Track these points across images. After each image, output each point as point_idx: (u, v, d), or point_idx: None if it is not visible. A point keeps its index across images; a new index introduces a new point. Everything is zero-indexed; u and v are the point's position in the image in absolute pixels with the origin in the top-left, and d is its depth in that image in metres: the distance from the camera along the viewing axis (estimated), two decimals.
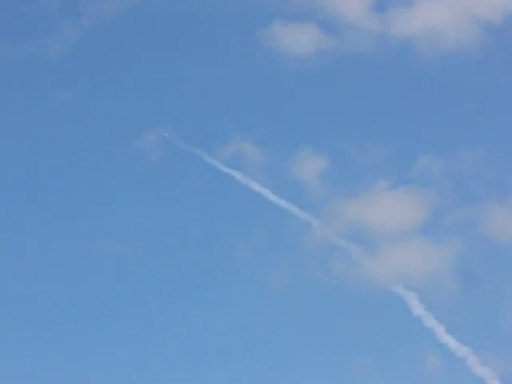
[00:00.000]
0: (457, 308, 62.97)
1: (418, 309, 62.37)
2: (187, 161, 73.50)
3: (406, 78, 77.95)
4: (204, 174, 74.72)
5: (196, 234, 73.25)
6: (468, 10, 75.68)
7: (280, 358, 64.60)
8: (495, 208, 68.92)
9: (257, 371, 64.72)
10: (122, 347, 66.74)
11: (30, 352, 65.60)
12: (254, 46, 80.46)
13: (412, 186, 72.36)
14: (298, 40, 78.97)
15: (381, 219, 69.94)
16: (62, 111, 79.27)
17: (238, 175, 72.46)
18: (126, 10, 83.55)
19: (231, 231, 72.80)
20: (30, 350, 65.71)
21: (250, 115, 79.11)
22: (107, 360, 65.49)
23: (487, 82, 77.29)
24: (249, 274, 69.97)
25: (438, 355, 59.23)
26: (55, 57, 79.95)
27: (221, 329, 67.08)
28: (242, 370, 64.85)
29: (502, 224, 68.12)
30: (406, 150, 74.58)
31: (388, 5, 78.73)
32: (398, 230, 69.40)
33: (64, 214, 75.87)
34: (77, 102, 79.47)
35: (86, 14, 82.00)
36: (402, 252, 68.11)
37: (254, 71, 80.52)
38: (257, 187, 71.56)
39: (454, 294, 64.79)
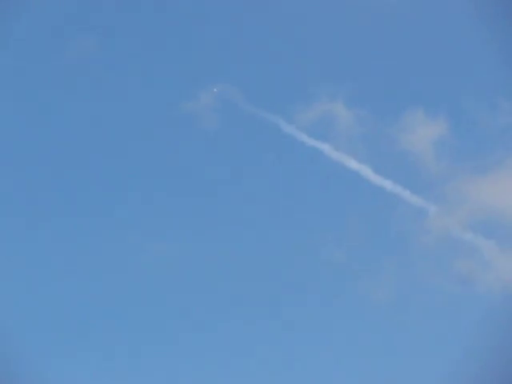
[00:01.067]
0: None
1: None
2: (255, 128, 58.85)
3: None
4: (279, 147, 60.27)
5: (272, 227, 59.27)
6: None
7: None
8: None
9: None
10: None
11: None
12: None
13: None
14: None
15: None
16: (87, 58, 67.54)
17: (326, 148, 57.22)
18: None
19: (320, 225, 58.38)
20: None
21: (339, 65, 63.42)
22: None
23: None
24: (345, 283, 60.44)
25: None
26: None
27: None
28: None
29: None
30: None
31: None
32: None
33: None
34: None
35: None
36: None
37: (340, 7, 65.52)
38: (352, 164, 57.09)
39: None
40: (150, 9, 63.06)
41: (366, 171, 56.52)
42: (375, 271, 55.97)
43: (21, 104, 60.40)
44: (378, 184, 56.30)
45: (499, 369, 47.71)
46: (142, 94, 61.12)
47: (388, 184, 56.38)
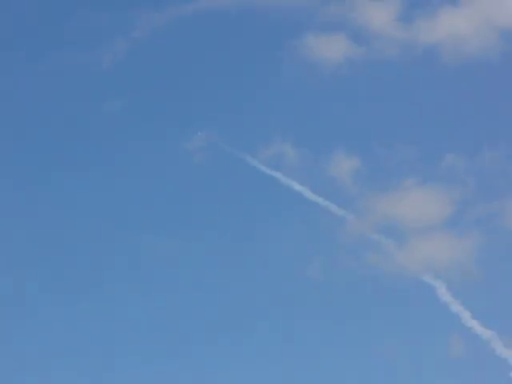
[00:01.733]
0: (480, 294, 69.72)
1: (445, 296, 67.83)
2: (231, 162, 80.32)
3: (431, 82, 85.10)
4: (247, 175, 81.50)
5: (240, 229, 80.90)
6: (487, 19, 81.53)
7: (312, 343, 72.12)
8: None
9: (289, 358, 71.79)
10: None
11: None
12: (291, 54, 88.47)
13: (438, 183, 79.07)
14: (330, 49, 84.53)
15: (409, 213, 76.21)
16: (113, 117, 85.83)
17: (279, 176, 78.59)
18: (170, 21, 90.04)
19: (273, 227, 79.96)
20: None
21: (288, 118, 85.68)
22: None
23: (507, 85, 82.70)
24: (289, 264, 76.71)
25: (464, 339, 66.06)
26: (106, 67, 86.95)
27: (260, 313, 75.31)
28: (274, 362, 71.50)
29: None
30: (432, 150, 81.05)
31: (413, 15, 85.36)
32: (425, 224, 75.72)
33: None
34: (127, 108, 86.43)
35: (136, 27, 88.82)
36: (430, 244, 74.11)
37: (290, 78, 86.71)
38: (296, 186, 77.25)
39: (478, 282, 71.38)
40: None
41: (307, 191, 76.84)
42: (311, 258, 75.74)
43: None
44: (314, 200, 76.14)
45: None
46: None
47: (320, 200, 75.92)
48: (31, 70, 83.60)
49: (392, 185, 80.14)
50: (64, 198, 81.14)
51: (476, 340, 64.77)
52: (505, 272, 72.14)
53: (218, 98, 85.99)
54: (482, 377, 64.85)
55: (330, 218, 74.57)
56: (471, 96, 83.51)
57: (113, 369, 70.14)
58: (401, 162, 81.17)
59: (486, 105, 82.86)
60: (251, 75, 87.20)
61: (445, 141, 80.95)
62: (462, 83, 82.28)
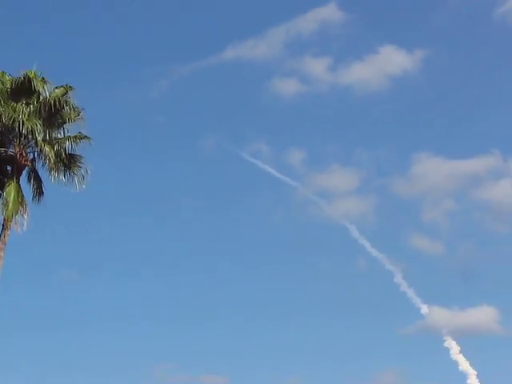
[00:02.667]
0: (377, 233, 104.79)
1: (354, 233, 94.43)
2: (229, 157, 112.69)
3: (346, 107, 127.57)
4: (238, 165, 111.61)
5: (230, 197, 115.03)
6: (382, 69, 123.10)
7: (268, 270, 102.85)
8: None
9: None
10: None
11: None
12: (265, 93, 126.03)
13: (352, 167, 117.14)
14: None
15: (335, 185, 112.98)
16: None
17: (258, 163, 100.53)
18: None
19: (251, 194, 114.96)
20: None
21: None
22: None
23: (395, 115, 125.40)
24: (260, 216, 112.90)
25: (365, 259, 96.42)
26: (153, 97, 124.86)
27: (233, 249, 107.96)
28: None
29: (403, 188, 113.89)
30: (347, 147, 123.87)
31: (337, 67, 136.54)
32: (344, 191, 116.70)
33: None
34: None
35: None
36: (347, 203, 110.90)
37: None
38: (268, 169, 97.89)
39: (375, 227, 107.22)
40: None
41: (274, 172, 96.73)
42: (276, 213, 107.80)
43: None
44: (278, 177, 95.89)
45: None
46: None
47: (282, 177, 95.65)
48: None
49: (325, 168, 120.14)
50: None
51: (372, 259, 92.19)
52: (392, 220, 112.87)
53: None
54: (372, 285, 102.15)
55: (287, 188, 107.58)
56: (370, 118, 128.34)
57: None
58: (330, 154, 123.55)
59: (379, 121, 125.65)
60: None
61: (356, 139, 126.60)
62: (367, 111, 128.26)
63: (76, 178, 33.74)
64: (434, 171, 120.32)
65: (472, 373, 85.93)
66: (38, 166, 33.21)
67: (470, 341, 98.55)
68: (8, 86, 32.43)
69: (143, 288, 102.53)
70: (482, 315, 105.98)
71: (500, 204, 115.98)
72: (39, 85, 32.53)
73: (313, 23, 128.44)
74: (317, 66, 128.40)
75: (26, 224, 32.50)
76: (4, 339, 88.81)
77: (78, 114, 32.87)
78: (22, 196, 32.30)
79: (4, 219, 32.00)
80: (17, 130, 31.89)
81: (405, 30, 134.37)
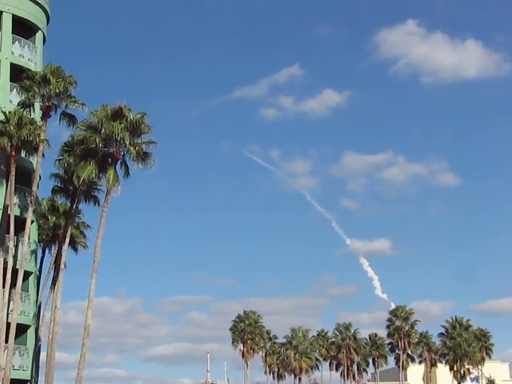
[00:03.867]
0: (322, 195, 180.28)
1: (308, 197, 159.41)
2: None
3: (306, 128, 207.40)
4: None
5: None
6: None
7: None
8: None
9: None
10: None
11: None
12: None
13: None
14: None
15: (297, 169, 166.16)
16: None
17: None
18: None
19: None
20: None
21: None
22: None
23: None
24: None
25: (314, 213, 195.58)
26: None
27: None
28: None
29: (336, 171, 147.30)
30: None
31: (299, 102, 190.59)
32: (303, 173, 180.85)
33: None
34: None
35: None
36: (304, 180, 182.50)
37: None
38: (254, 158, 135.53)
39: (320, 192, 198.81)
40: None
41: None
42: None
43: None
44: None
45: None
46: None
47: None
48: None
49: (292, 160, 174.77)
50: None
51: (318, 212, 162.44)
52: (330, 190, 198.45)
53: None
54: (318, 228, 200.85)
55: (270, 171, 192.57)
56: (318, 131, 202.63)
57: None
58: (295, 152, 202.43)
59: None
60: None
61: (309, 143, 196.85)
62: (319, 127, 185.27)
63: (149, 165, 56.10)
64: (354, 161, 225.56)
65: (376, 277, 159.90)
66: (126, 158, 55.25)
67: (375, 259, 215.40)
68: (109, 112, 54.63)
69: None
70: (382, 244, 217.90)
71: (391, 180, 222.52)
72: (127, 112, 54.57)
73: (285, 76, 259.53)
74: (286, 101, 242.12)
75: (119, 192, 55.20)
76: None
77: (149, 129, 55.02)
78: (118, 176, 54.35)
79: (107, 189, 54.58)
80: (114, 138, 54.07)
81: (337, 78, 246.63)
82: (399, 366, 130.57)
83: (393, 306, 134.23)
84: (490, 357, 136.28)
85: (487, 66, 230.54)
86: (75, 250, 64.56)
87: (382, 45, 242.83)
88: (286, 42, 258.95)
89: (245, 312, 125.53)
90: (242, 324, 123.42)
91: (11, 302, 53.74)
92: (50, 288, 61.32)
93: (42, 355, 61.33)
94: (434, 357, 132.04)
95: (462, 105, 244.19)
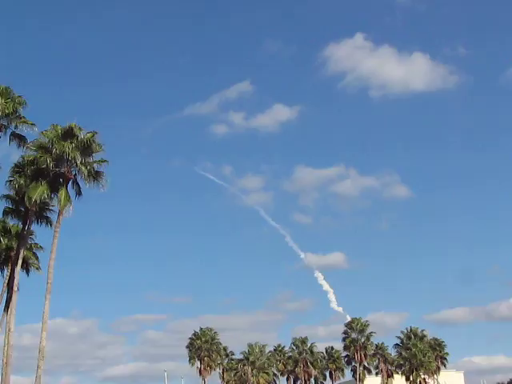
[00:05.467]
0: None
1: (262, 212, 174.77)
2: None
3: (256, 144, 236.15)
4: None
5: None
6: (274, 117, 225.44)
7: None
8: None
9: None
10: None
11: None
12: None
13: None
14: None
15: (249, 185, 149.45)
16: None
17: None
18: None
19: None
20: None
21: None
22: None
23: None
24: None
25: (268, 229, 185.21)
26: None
27: None
28: None
29: (288, 186, 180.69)
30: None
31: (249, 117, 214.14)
32: (254, 188, 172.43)
33: None
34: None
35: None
36: (257, 196, 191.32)
37: None
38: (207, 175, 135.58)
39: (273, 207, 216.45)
40: None
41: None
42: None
43: None
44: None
45: None
46: None
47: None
48: None
49: (243, 176, 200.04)
50: None
51: (272, 227, 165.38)
52: (283, 205, 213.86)
53: None
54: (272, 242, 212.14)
55: (223, 187, 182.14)
56: (270, 146, 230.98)
57: None
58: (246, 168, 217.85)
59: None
60: None
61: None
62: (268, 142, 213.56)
63: (101, 184, 55.94)
64: (306, 176, 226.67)
65: (331, 290, 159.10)
66: (78, 178, 55.10)
67: (330, 272, 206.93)
68: (60, 132, 54.43)
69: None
70: (336, 258, 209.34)
71: (343, 194, 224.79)
72: (77, 131, 54.47)
73: (235, 93, 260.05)
74: (237, 117, 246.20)
75: (71, 212, 54.86)
76: None
77: (101, 148, 54.96)
78: (69, 196, 54.15)
79: (59, 210, 54.27)
80: (65, 157, 53.87)
81: (287, 93, 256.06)
82: (356, 379, 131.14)
83: (348, 319, 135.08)
84: (445, 366, 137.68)
85: (434, 79, 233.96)
86: (28, 271, 63.87)
87: (330, 59, 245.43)
88: (237, 59, 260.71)
89: (201, 329, 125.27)
90: (198, 341, 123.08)
91: None
92: (4, 311, 60.44)
93: None
94: (390, 368, 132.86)
95: (411, 117, 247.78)
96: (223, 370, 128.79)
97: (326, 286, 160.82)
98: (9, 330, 55.67)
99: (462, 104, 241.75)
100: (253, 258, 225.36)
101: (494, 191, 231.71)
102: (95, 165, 55.00)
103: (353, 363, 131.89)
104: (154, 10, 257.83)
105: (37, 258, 64.55)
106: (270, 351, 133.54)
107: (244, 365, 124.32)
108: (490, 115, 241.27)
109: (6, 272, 61.84)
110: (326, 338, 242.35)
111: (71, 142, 53.64)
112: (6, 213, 60.86)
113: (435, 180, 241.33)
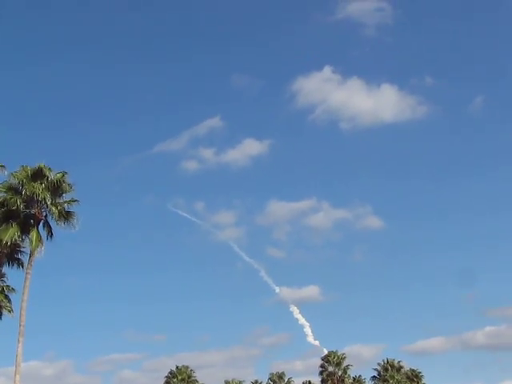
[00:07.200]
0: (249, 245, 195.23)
1: (236, 248, 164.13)
2: None
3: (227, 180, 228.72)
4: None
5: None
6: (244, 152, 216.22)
7: None
8: None
9: None
10: None
11: None
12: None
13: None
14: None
15: (222, 220, 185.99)
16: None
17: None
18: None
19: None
20: None
21: None
22: None
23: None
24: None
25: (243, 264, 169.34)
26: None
27: None
28: None
29: (261, 220, 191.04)
30: None
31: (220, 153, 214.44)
32: (224, 224, 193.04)
33: None
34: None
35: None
36: (230, 231, 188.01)
37: None
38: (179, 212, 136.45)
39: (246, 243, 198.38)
40: None
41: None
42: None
43: None
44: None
45: None
46: None
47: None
48: None
49: (216, 212, 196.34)
50: None
51: (246, 263, 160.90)
52: (256, 239, 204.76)
53: None
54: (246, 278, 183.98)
55: (196, 224, 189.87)
56: (240, 181, 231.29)
57: None
58: (218, 203, 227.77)
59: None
60: None
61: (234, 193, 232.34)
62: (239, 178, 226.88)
63: (72, 225, 55.84)
64: (279, 210, 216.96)
65: (307, 324, 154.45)
66: (49, 219, 55.20)
67: (305, 306, 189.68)
68: (29, 173, 54.42)
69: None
70: (311, 291, 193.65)
71: (316, 226, 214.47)
72: (47, 171, 54.48)
73: (205, 128, 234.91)
74: (207, 153, 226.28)
75: (43, 253, 54.69)
76: None
77: (71, 188, 54.97)
78: (40, 237, 54.05)
79: (30, 251, 54.08)
80: (35, 198, 53.83)
81: (257, 128, 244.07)
82: None
83: (325, 352, 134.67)
84: None
85: (403, 110, 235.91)
86: (0, 314, 63.21)
87: (299, 92, 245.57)
88: (206, 95, 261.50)
89: (177, 367, 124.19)
90: (174, 380, 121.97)
91: None
92: None
93: None
94: None
95: (382, 148, 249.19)
96: None
97: (301, 320, 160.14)
98: None
99: (432, 134, 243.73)
100: (228, 293, 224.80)
101: (465, 223, 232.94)
102: (66, 205, 54.91)
103: None
104: (121, 47, 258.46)
105: (9, 301, 63.82)
106: None
107: None
108: (459, 144, 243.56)
109: None
110: (304, 372, 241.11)
111: (41, 183, 53.57)
112: None
113: (407, 211, 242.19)
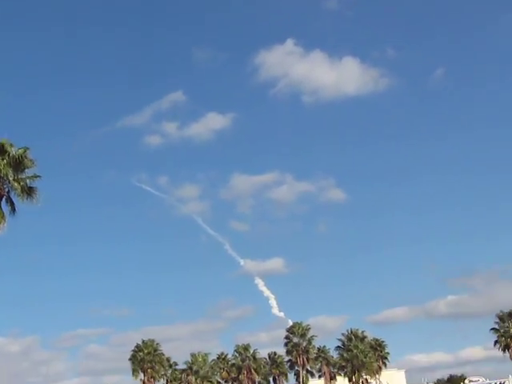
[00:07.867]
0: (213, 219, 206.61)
1: (200, 221, 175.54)
2: None
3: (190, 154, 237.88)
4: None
5: None
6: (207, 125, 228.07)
7: None
8: None
9: None
10: None
11: None
12: None
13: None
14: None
15: (186, 194, 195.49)
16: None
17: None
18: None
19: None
20: None
21: None
22: None
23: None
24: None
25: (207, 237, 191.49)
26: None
27: None
28: None
29: (225, 194, 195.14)
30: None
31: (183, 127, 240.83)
32: (192, 197, 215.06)
33: None
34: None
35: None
36: (194, 205, 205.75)
37: None
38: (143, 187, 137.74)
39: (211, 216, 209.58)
40: None
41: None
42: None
43: None
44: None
45: None
46: None
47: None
48: None
49: (180, 185, 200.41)
50: None
51: (210, 236, 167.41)
52: (220, 213, 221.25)
53: None
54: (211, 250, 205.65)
55: (160, 198, 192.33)
56: (203, 154, 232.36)
57: None
58: (182, 176, 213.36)
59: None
60: None
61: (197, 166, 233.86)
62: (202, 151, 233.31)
63: (34, 199, 55.90)
64: (242, 183, 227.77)
65: (272, 296, 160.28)
66: (11, 194, 55.29)
67: (270, 278, 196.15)
68: None
69: None
70: (275, 263, 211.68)
71: (280, 199, 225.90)
72: (8, 147, 54.42)
73: (168, 103, 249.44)
74: (171, 127, 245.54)
75: (5, 229, 54.74)
76: None
77: (33, 164, 54.96)
78: (3, 213, 54.23)
79: None
80: None
81: (220, 101, 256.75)
82: (299, 382, 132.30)
83: (290, 324, 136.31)
84: (385, 365, 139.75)
85: (365, 82, 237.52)
86: None
87: (262, 66, 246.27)
88: (169, 69, 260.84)
89: (143, 341, 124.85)
90: (141, 353, 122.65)
91: None
92: None
93: None
94: (332, 370, 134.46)
95: (344, 121, 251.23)
96: (167, 380, 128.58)
97: (266, 292, 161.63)
98: None
99: (393, 106, 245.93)
100: (193, 266, 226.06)
101: (427, 188, 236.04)
102: (28, 180, 54.79)
103: (296, 367, 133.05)
104: (84, 21, 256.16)
105: None
106: (213, 359, 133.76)
107: (188, 374, 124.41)
108: (419, 116, 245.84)
109: None
110: (269, 343, 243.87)
111: (3, 159, 53.54)
112: None
113: (369, 182, 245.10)
